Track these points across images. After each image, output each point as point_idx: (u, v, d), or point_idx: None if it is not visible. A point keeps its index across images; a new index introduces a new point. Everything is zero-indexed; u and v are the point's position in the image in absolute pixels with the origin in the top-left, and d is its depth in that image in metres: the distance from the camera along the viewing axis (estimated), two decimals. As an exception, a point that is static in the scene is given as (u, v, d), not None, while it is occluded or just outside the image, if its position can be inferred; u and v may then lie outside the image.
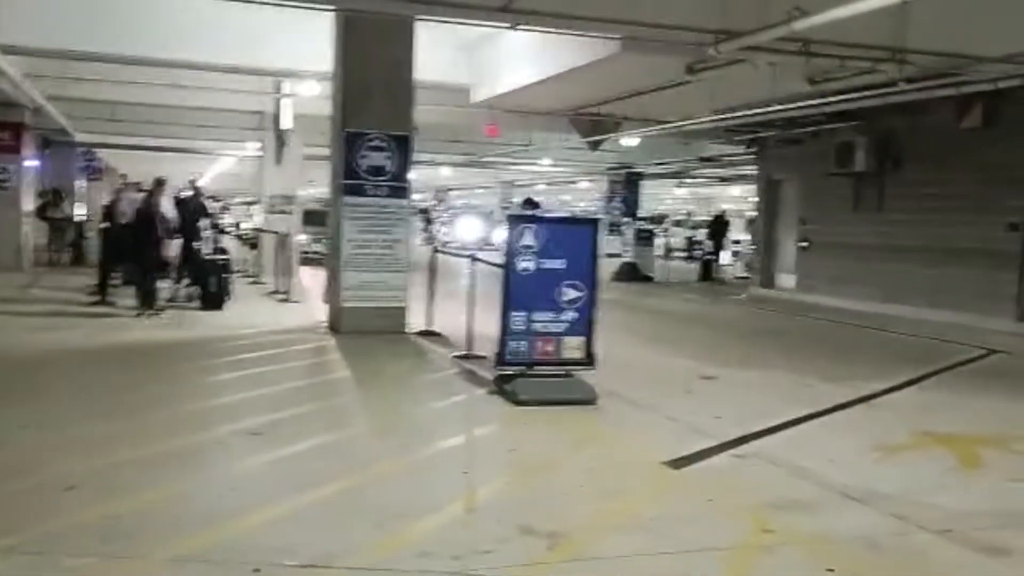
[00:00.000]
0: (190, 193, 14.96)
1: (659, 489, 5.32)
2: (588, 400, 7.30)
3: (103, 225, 14.61)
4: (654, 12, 9.00)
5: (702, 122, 14.81)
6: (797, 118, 15.07)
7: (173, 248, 12.18)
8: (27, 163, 18.71)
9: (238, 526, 4.30)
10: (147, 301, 11.72)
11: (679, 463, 5.73)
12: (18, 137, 18.02)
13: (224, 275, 13.38)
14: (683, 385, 8.47)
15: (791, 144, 17.14)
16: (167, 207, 12.91)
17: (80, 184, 27.51)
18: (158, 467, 5.17)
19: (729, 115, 14.14)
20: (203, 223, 13.80)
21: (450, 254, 13.93)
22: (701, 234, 33.66)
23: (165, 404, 6.78)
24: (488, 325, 7.91)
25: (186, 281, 13.36)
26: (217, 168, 33.36)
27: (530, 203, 14.90)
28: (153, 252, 11.69)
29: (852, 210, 15.50)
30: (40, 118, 18.62)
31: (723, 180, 32.81)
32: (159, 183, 12.97)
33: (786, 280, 17.83)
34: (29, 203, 19.05)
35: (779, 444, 6.37)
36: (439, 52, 13.69)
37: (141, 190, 14.01)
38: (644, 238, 24.40)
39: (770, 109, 13.50)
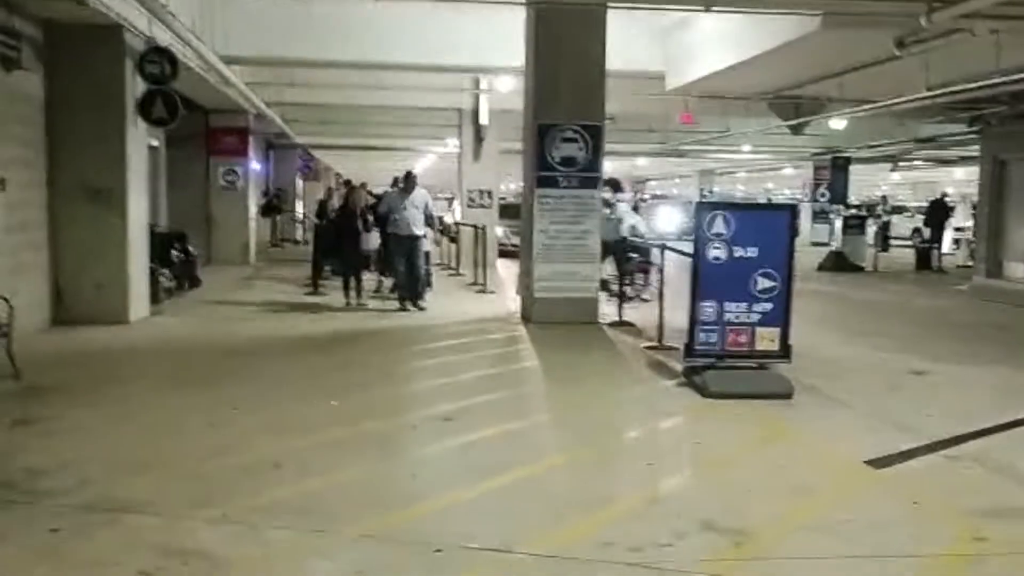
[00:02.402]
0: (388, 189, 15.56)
1: (857, 489, 5.01)
2: (783, 394, 6.98)
3: (315, 221, 15.58)
4: (857, -16, 8.50)
5: (915, 100, 13.72)
6: (1027, 90, 13.69)
7: (372, 241, 12.73)
8: (252, 165, 20.27)
9: (423, 508, 4.45)
10: (353, 292, 12.38)
11: (881, 462, 5.37)
12: (244, 141, 19.52)
13: (424, 267, 13.89)
14: (889, 381, 7.93)
15: (1021, 119, 15.62)
16: (414, 203, 12.89)
17: (299, 183, 29.53)
18: (354, 449, 5.45)
19: (946, 91, 13.04)
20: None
21: (640, 244, 13.76)
22: (902, 221, 31.58)
23: (363, 389, 7.13)
24: (681, 316, 7.76)
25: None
26: (421, 165, 34.83)
27: (612, 184, 14.09)
28: (354, 245, 12.31)
29: (1095, 190, 13.95)
30: (262, 123, 20.11)
31: (943, 163, 30.47)
32: (403, 182, 13.47)
33: (1016, 269, 16.29)
34: (254, 203, 20.62)
35: (999, 446, 5.84)
36: (633, 40, 13.53)
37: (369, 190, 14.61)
38: (853, 226, 23.13)
39: (995, 82, 12.30)
